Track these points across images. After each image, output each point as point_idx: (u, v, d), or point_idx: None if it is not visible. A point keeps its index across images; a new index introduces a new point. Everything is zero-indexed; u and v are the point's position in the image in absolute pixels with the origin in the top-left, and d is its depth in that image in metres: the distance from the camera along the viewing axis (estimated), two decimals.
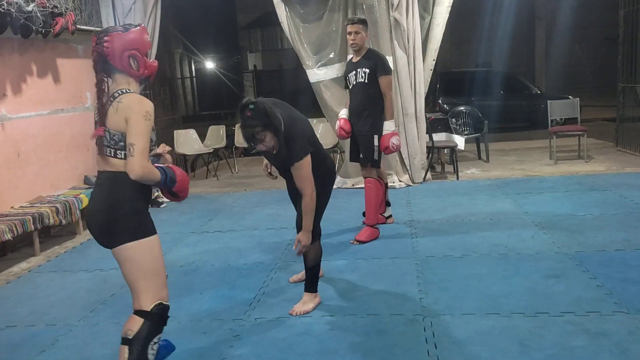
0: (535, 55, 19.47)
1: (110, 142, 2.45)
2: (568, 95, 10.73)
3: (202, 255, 4.70)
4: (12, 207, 5.28)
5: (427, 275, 3.85)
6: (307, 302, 3.43)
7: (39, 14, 5.25)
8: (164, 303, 2.54)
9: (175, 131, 8.48)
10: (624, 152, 7.99)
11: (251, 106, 2.97)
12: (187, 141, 8.48)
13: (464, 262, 4.09)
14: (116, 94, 2.46)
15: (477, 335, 2.98)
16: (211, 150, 8.68)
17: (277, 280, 4.01)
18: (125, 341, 2.48)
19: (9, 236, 4.64)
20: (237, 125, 9.93)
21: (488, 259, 4.09)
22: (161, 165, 2.63)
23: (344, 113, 4.84)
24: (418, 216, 5.40)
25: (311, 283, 3.45)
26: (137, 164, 2.37)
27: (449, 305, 3.37)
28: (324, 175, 3.36)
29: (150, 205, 7.70)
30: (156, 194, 6.90)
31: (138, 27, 2.54)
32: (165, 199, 6.90)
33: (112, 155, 2.46)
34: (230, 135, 9.47)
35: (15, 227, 4.72)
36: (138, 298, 2.51)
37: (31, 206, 5.30)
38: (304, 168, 3.16)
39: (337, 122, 4.84)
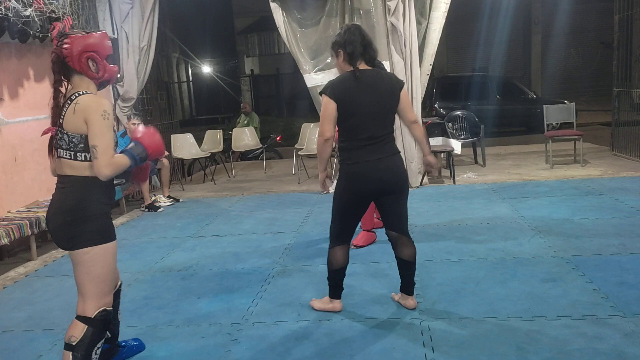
0: (531, 60, 19.59)
1: (69, 145, 2.48)
2: (564, 100, 10.80)
3: (200, 260, 4.70)
4: (9, 212, 5.28)
5: (425, 279, 3.86)
6: (321, 301, 3.51)
7: (36, 19, 5.26)
8: (107, 309, 2.56)
9: (172, 135, 8.48)
10: (620, 157, 8.03)
11: (354, 26, 3.20)
12: (184, 145, 8.47)
13: (461, 266, 4.10)
14: (73, 97, 2.47)
15: (475, 338, 2.98)
16: (208, 155, 8.69)
17: (275, 284, 4.01)
18: (68, 347, 2.49)
19: (6, 241, 4.64)
20: (234, 130, 9.96)
21: (485, 263, 4.11)
22: (128, 149, 2.58)
23: None
24: (415, 220, 5.41)
25: (329, 287, 3.46)
26: (103, 165, 2.40)
27: (447, 308, 3.38)
28: (341, 177, 3.22)
29: (147, 210, 7.56)
30: (153, 197, 6.89)
31: (99, 32, 2.59)
32: (162, 203, 6.89)
33: (72, 158, 2.49)
34: (227, 140, 9.47)
35: (13, 231, 4.71)
36: (83, 302, 2.54)
37: (28, 210, 5.30)
38: (322, 104, 3.16)
39: None
